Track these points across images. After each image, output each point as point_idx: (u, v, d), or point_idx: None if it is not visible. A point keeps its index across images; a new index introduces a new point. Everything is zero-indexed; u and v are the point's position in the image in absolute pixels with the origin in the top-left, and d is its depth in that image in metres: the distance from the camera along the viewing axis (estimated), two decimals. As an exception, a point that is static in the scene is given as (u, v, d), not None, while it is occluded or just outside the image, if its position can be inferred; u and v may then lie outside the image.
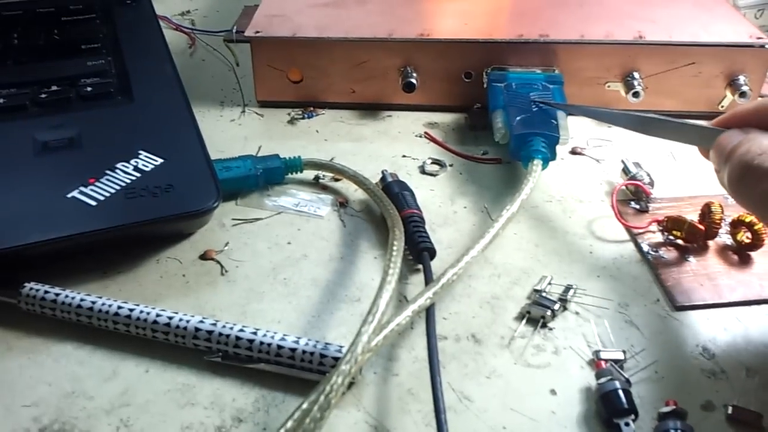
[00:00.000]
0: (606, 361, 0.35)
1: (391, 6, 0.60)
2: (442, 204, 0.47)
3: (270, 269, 0.42)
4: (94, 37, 0.56)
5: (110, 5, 0.60)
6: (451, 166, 0.51)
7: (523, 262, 0.42)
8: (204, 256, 0.42)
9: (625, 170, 0.48)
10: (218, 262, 0.42)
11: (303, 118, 0.56)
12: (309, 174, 0.49)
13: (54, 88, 0.49)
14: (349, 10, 0.59)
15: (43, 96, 0.48)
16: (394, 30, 0.55)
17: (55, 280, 0.39)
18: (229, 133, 0.55)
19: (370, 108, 0.58)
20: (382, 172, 0.47)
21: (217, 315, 0.38)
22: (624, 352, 0.36)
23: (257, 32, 0.55)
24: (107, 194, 0.41)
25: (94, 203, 0.41)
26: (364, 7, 0.60)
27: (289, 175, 0.49)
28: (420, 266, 0.41)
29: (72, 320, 0.37)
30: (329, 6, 0.60)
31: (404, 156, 0.52)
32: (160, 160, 0.44)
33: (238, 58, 0.64)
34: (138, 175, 0.43)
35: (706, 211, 0.42)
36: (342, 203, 0.47)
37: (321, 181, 0.49)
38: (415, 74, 0.55)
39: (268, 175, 0.48)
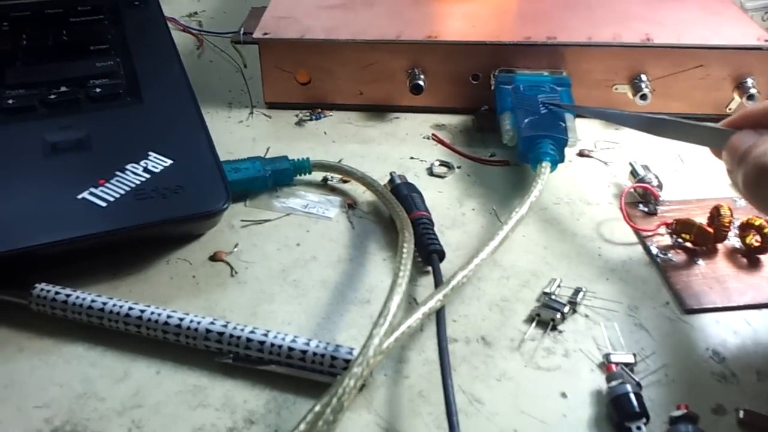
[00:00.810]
0: (616, 364, 0.35)
1: (399, 8, 0.60)
2: (450, 206, 0.47)
3: (279, 271, 0.42)
4: (103, 39, 0.56)
5: (118, 6, 0.60)
6: (458, 168, 0.51)
7: (532, 264, 0.42)
8: (214, 258, 0.42)
9: (634, 173, 0.48)
10: (228, 263, 0.42)
11: (311, 119, 0.57)
12: (317, 176, 0.49)
13: (63, 89, 0.49)
14: (356, 12, 0.59)
15: (53, 97, 0.48)
16: (401, 32, 0.55)
17: (66, 281, 0.39)
18: (238, 134, 0.55)
19: (378, 110, 0.58)
20: (391, 174, 0.48)
21: (228, 316, 0.38)
22: (634, 355, 0.36)
23: (265, 34, 0.55)
24: (117, 195, 0.41)
25: (104, 204, 0.41)
26: (372, 10, 0.60)
27: (298, 177, 0.49)
28: (429, 268, 0.41)
29: (83, 321, 0.37)
30: (337, 8, 0.60)
31: (412, 158, 0.52)
32: (170, 162, 0.44)
33: (245, 59, 0.64)
34: (148, 176, 0.43)
35: (715, 214, 0.43)
36: (350, 205, 0.47)
37: (329, 182, 0.49)
38: (422, 76, 0.55)
39: (277, 176, 0.48)
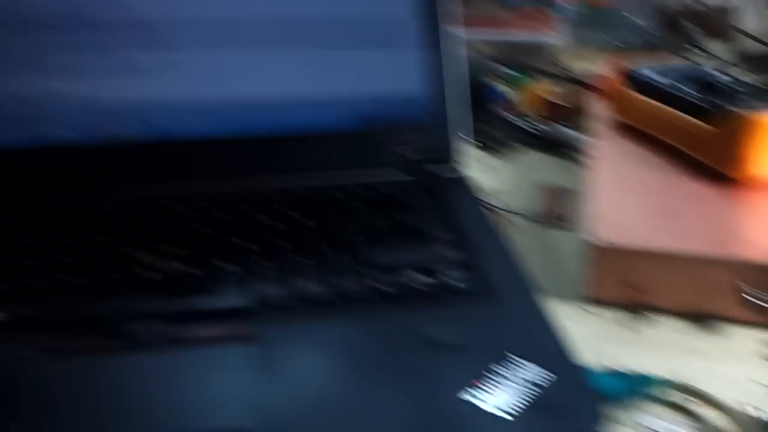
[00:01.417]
0: None
1: (718, 216, 0.60)
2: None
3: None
4: (436, 223, 0.57)
5: (438, 188, 0.62)
6: (811, 402, 0.48)
7: None
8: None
9: None
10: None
11: (637, 322, 0.56)
12: (666, 392, 0.48)
13: (418, 276, 0.50)
14: (684, 220, 0.59)
15: (413, 285, 0.49)
16: (727, 244, 0.55)
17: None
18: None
19: (710, 322, 0.56)
20: (747, 406, 0.46)
21: None
22: None
23: (601, 239, 0.56)
24: (495, 401, 0.41)
25: (486, 409, 0.40)
26: (701, 217, 0.59)
27: (645, 393, 0.48)
28: None
29: None
30: (662, 213, 0.60)
31: (751, 381, 0.50)
32: (534, 366, 0.43)
33: (556, 244, 0.64)
34: (516, 381, 0.42)
35: None
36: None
37: (681, 404, 0.48)
38: (758, 294, 0.54)
39: (632, 390, 0.47)
